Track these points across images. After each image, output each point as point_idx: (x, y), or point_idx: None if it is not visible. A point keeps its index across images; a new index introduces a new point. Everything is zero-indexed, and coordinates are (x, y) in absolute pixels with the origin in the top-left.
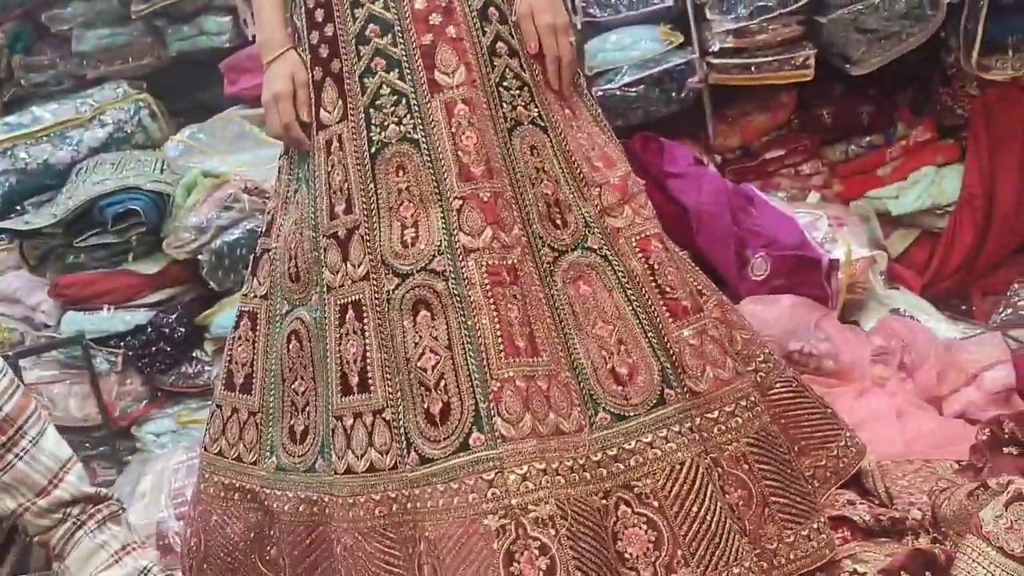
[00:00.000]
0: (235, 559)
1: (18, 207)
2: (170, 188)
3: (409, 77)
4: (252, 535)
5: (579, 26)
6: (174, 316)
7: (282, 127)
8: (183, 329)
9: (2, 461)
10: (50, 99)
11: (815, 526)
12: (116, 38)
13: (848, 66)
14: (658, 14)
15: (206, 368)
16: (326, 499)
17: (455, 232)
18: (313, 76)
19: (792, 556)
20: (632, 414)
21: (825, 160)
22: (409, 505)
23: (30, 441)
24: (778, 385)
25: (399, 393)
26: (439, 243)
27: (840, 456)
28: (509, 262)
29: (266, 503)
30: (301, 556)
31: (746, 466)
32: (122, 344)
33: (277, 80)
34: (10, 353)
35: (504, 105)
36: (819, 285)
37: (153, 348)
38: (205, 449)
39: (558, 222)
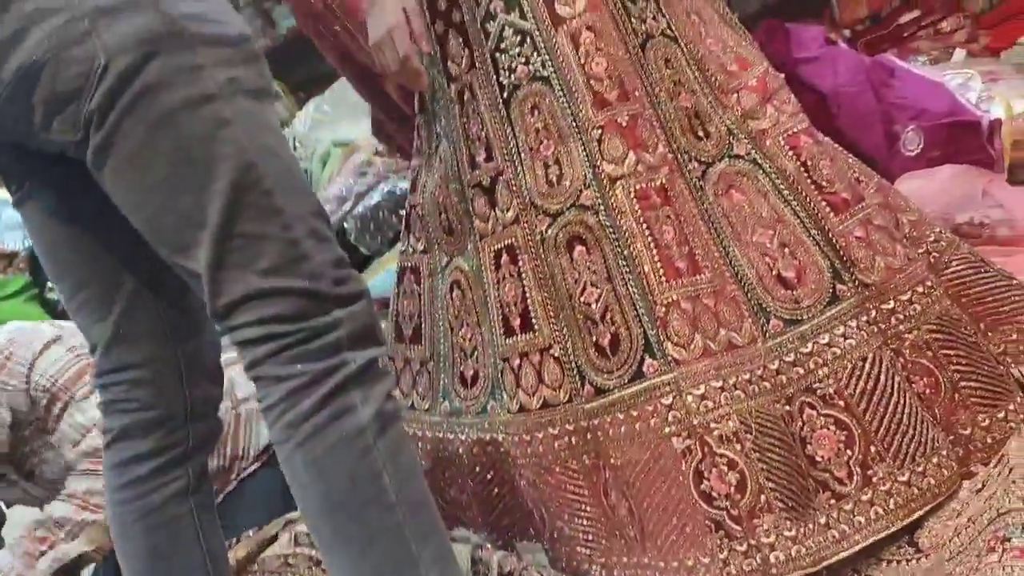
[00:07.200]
0: None
1: None
2: (306, 164)
3: (530, 15)
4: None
5: None
6: None
7: (400, 62)
8: None
9: None
10: None
11: (1012, 407)
12: None
13: None
14: None
15: None
16: (500, 438)
17: (598, 162)
18: (435, 30)
19: (989, 440)
20: (805, 317)
21: (966, 12)
22: (589, 436)
23: None
24: (954, 263)
25: (565, 329)
26: (584, 176)
27: None
28: (657, 183)
29: (440, 447)
30: (486, 492)
31: (930, 353)
32: None
33: (388, 13)
34: None
35: (633, 20)
36: (981, 150)
37: None
38: None
39: (700, 134)
